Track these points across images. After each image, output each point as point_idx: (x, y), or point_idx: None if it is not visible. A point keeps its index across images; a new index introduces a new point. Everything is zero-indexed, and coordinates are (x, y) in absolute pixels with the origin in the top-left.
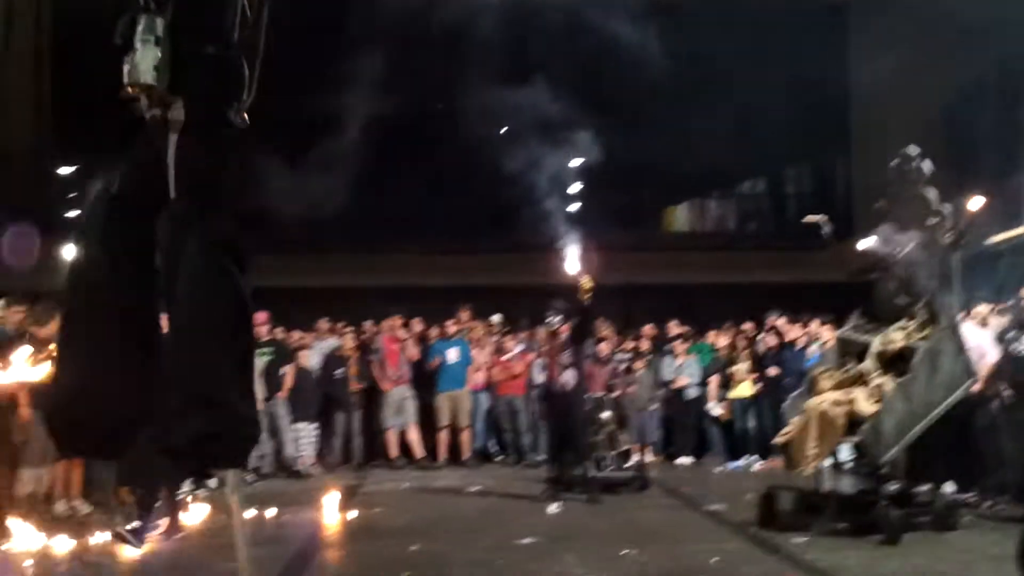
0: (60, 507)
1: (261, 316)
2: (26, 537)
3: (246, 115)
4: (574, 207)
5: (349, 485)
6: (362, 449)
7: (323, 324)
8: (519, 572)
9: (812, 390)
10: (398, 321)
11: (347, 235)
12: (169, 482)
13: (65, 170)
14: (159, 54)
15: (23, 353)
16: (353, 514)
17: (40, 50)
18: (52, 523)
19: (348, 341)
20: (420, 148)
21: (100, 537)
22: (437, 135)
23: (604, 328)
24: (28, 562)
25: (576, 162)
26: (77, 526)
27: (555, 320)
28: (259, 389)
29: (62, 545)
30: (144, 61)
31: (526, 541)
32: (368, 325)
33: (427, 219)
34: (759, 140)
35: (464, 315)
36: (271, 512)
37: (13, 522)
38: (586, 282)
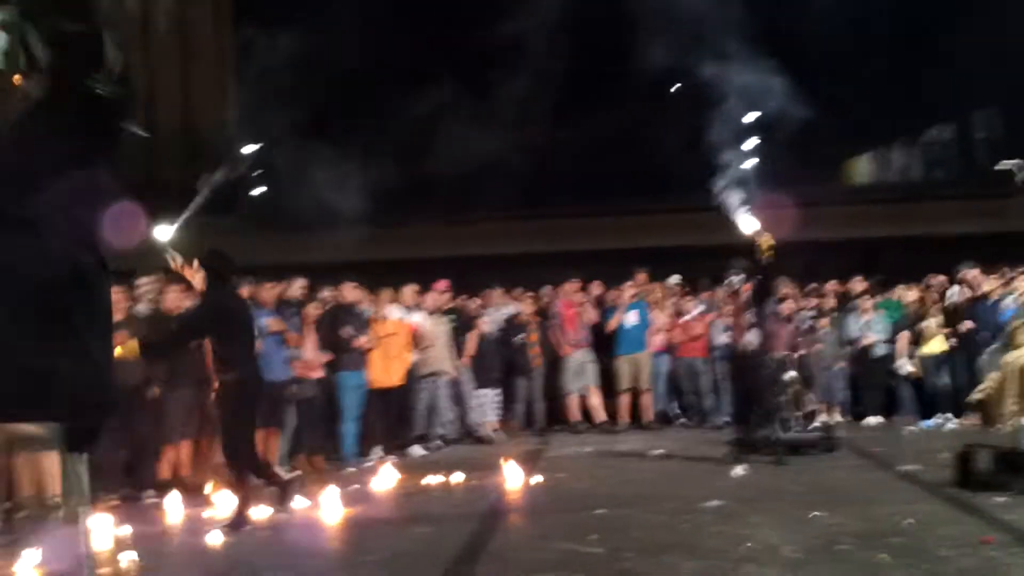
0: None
1: (442, 284)
2: (226, 504)
3: (122, 89)
4: (752, 162)
5: (532, 450)
6: (544, 414)
7: (497, 291)
8: (705, 535)
9: (1010, 344)
10: (576, 285)
11: (522, 201)
12: None
13: (248, 149)
14: (5, 39)
15: None
16: (537, 479)
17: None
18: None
19: (527, 307)
20: (595, 108)
21: (295, 503)
22: (612, 94)
23: (786, 286)
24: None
25: (753, 116)
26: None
27: (736, 280)
28: (445, 355)
29: (261, 511)
30: None
31: (711, 504)
32: (548, 290)
33: (602, 181)
34: (944, 83)
35: (641, 277)
36: (457, 478)
37: (211, 490)
38: (766, 240)
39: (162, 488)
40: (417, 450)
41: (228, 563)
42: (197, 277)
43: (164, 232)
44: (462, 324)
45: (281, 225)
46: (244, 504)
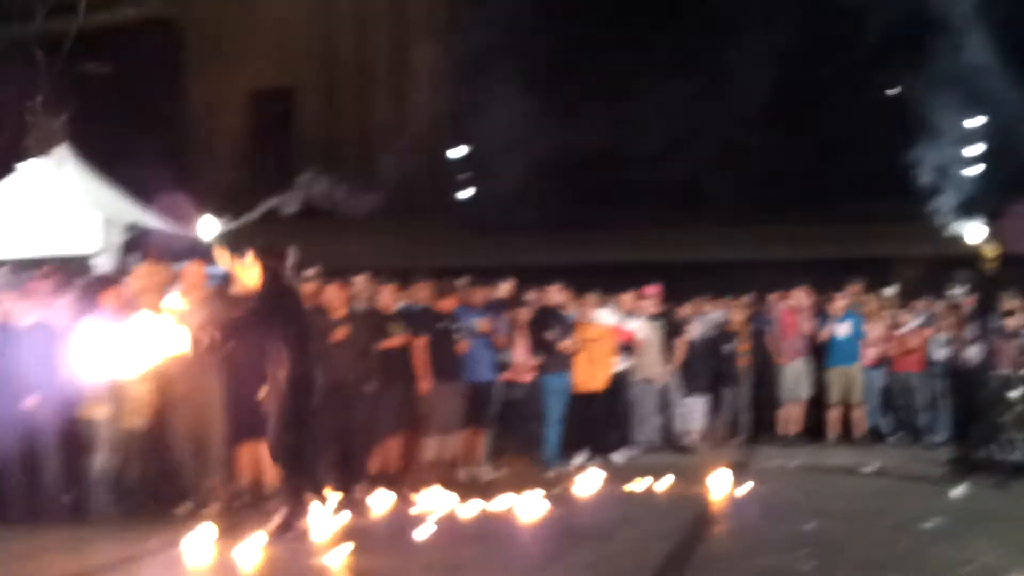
0: (463, 473)
1: (652, 289)
2: (433, 501)
3: None
4: (976, 169)
5: (738, 461)
6: (750, 424)
7: (705, 297)
8: (925, 555)
9: None
10: (802, 292)
11: (729, 205)
12: None
13: (459, 151)
14: None
15: None
16: (743, 490)
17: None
18: (456, 489)
19: (736, 314)
20: (808, 111)
21: (500, 502)
22: (826, 96)
23: (1011, 300)
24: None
25: (977, 121)
26: (479, 491)
27: (958, 292)
28: (657, 361)
29: (467, 510)
30: None
31: (929, 524)
32: (774, 297)
33: (816, 186)
34: None
35: (855, 288)
36: (662, 484)
37: (418, 487)
38: (991, 251)
39: (372, 482)
40: (621, 456)
41: (434, 557)
42: (249, 272)
43: (212, 227)
44: (671, 330)
45: (489, 226)
46: (294, 510)
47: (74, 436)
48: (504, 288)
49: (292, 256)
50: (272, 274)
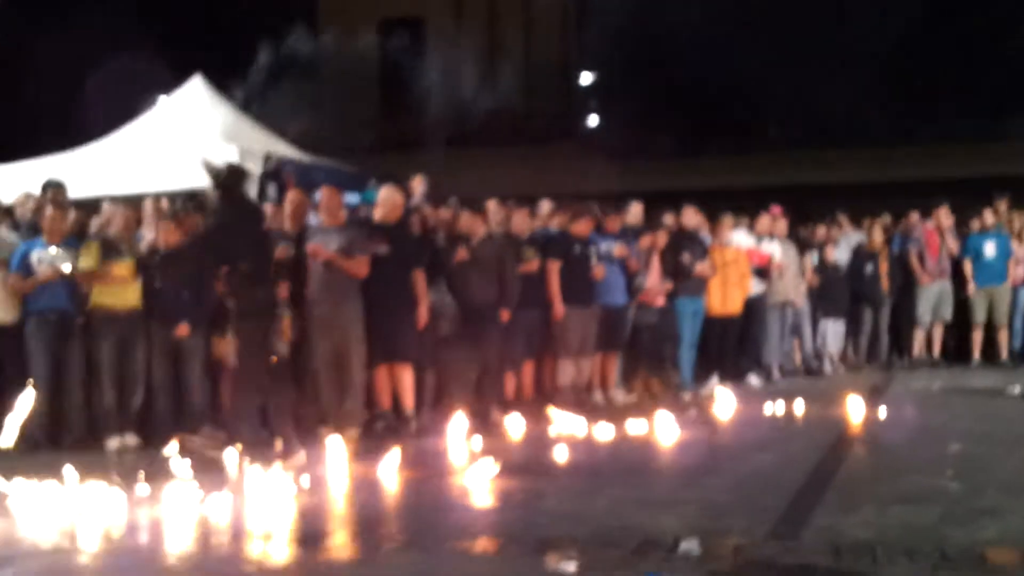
0: (597, 396)
1: (777, 209)
2: (568, 425)
3: None
4: None
5: (876, 384)
6: (888, 347)
7: (843, 219)
8: None
9: None
10: (944, 211)
11: (869, 128)
12: None
13: (587, 77)
14: None
15: None
16: (883, 412)
17: None
18: (591, 412)
19: (875, 235)
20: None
21: (634, 426)
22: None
23: None
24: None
25: None
26: (614, 415)
27: None
28: (793, 284)
29: (602, 433)
30: None
31: None
32: (915, 217)
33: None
34: None
35: (1002, 206)
36: (798, 408)
37: (553, 410)
38: None
39: (508, 406)
40: (755, 379)
41: (571, 480)
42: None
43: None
44: (805, 253)
45: (618, 152)
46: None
47: (218, 361)
48: (635, 211)
49: (423, 184)
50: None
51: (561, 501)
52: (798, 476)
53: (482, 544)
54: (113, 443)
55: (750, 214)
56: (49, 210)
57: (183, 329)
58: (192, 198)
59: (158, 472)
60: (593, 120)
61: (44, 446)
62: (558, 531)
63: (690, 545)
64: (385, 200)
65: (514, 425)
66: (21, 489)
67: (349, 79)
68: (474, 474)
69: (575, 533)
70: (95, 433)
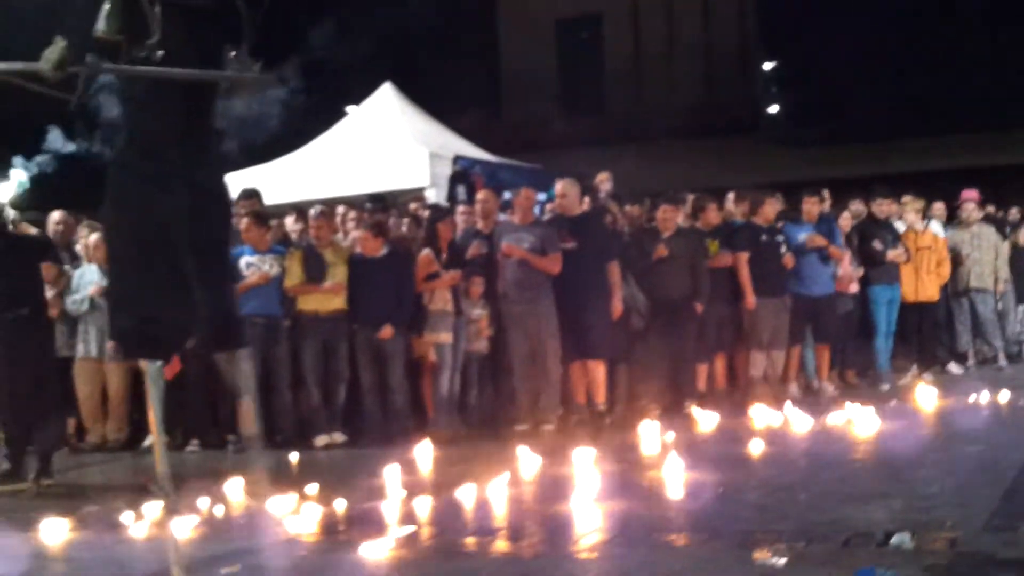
0: (793, 389)
1: (971, 193)
2: (762, 417)
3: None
4: None
5: None
6: None
7: None
8: None
9: None
10: None
11: None
12: None
13: (768, 66)
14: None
15: None
16: None
17: None
18: (785, 404)
19: None
20: None
21: (833, 417)
22: None
23: None
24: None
25: None
26: (809, 406)
27: None
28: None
29: (798, 425)
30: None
31: None
32: None
33: None
34: None
35: None
36: (1002, 396)
37: (749, 401)
38: None
39: (701, 399)
40: (955, 367)
41: (768, 473)
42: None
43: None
44: (1003, 236)
45: (802, 140)
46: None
47: (419, 361)
48: (826, 198)
49: (608, 181)
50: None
51: (761, 495)
52: (1010, 466)
53: (685, 538)
54: (321, 440)
55: (947, 197)
56: (244, 222)
57: (387, 332)
58: (379, 200)
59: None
60: (775, 108)
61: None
62: (761, 525)
63: (902, 539)
64: (564, 192)
65: (708, 418)
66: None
67: (527, 77)
68: (670, 467)
69: (779, 527)
70: (304, 432)
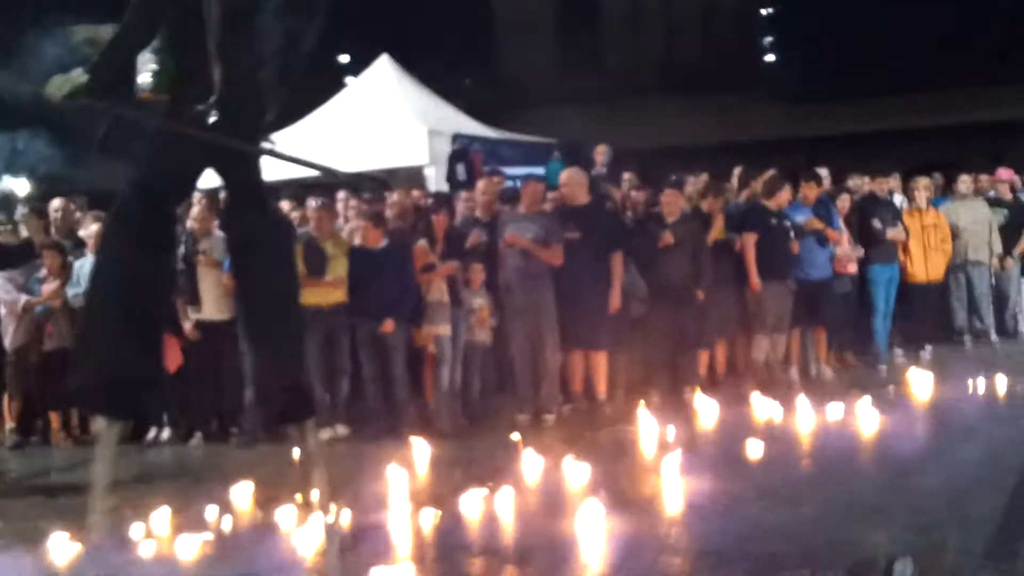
0: (794, 373)
1: (1006, 173)
2: (764, 407)
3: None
4: None
5: None
6: None
7: None
8: None
9: None
10: None
11: None
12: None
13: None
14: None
15: None
16: None
17: None
18: (787, 389)
19: None
20: None
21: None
22: None
23: None
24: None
25: None
26: (811, 391)
27: None
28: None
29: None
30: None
31: None
32: None
33: None
34: None
35: None
36: (1001, 385)
37: (750, 388)
38: None
39: (702, 384)
40: (967, 343)
41: (771, 476)
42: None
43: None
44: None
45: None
46: None
47: (421, 352)
48: (824, 177)
49: (606, 154)
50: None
51: (763, 509)
52: (1008, 474)
53: (691, 565)
54: (325, 434)
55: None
56: None
57: (388, 326)
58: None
59: None
60: (772, 59)
61: (261, 439)
62: (764, 546)
63: (904, 568)
64: (569, 181)
65: (708, 407)
66: None
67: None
68: (670, 474)
69: (783, 549)
70: None
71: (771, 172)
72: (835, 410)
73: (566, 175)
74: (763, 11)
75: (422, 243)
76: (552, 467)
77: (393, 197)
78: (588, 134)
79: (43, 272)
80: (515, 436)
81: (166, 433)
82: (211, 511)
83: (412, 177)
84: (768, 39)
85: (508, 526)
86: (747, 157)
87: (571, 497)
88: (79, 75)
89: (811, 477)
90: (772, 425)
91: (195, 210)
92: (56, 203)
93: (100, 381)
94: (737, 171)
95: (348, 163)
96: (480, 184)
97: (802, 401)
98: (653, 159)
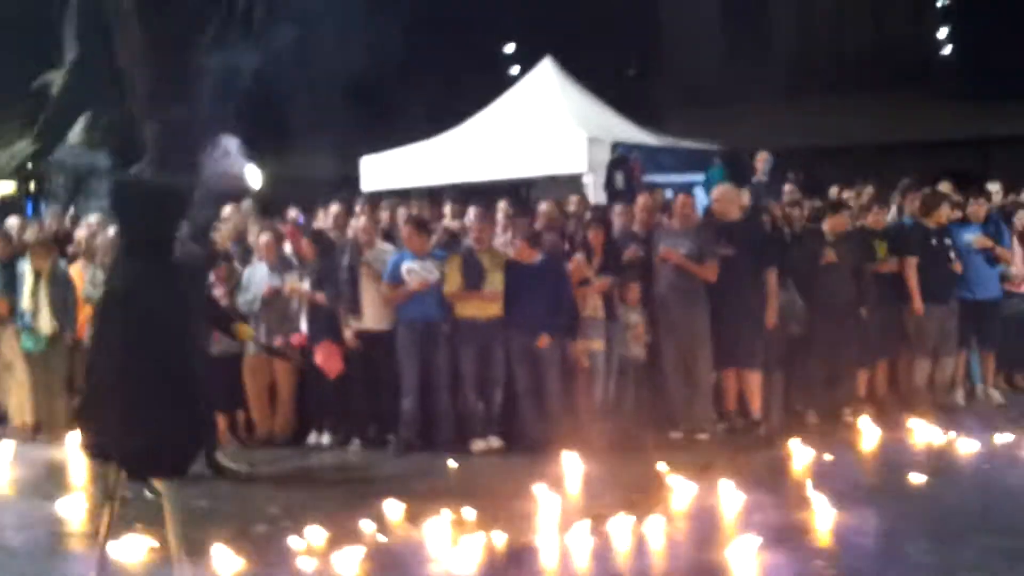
0: (959, 397)
1: None
2: (923, 431)
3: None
4: None
5: None
6: None
7: None
8: None
9: None
10: None
11: None
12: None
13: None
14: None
15: None
16: None
17: None
18: (948, 413)
19: None
20: None
21: (1000, 438)
22: None
23: None
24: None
25: None
26: (976, 417)
27: None
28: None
29: (964, 443)
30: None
31: None
32: None
33: None
34: None
35: None
36: None
37: (911, 412)
38: None
39: (860, 406)
40: None
41: (931, 508)
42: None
43: None
44: None
45: (978, 93)
46: None
47: (575, 367)
48: (995, 192)
49: (766, 162)
50: None
51: (922, 548)
52: None
53: None
54: (479, 446)
55: None
56: (405, 230)
57: (544, 340)
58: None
59: None
60: (948, 54)
61: (417, 447)
62: None
63: None
64: (721, 197)
65: (867, 431)
66: None
67: (690, 40)
68: (823, 498)
69: None
70: (462, 435)
71: (927, 190)
72: (1003, 438)
73: (719, 191)
74: (938, 2)
75: (579, 257)
76: (704, 493)
77: (542, 207)
78: (754, 133)
79: (211, 279)
80: (664, 466)
81: (326, 438)
82: (366, 524)
83: (570, 184)
84: (942, 32)
85: (657, 554)
86: (918, 158)
87: (722, 526)
88: (23, 148)
89: (975, 515)
90: (934, 452)
91: (359, 221)
92: (226, 210)
93: (143, 445)
94: (902, 185)
95: (507, 168)
96: (640, 200)
97: (967, 428)
98: (819, 160)
